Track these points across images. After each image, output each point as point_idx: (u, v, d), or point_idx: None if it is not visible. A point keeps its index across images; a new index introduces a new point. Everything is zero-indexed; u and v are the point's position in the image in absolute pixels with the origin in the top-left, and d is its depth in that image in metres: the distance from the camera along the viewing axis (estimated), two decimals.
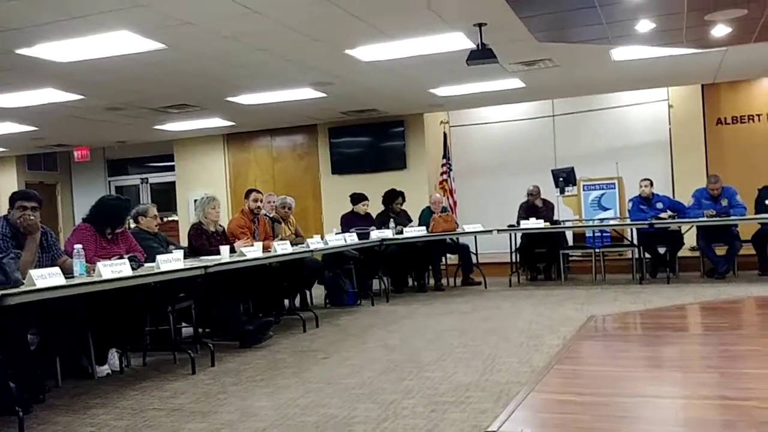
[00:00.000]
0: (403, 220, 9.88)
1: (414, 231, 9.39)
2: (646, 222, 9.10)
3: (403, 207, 10.07)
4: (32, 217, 4.77)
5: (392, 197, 9.92)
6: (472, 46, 7.06)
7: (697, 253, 9.71)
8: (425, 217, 9.90)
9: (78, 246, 4.85)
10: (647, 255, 9.62)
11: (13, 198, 4.87)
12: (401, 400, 4.21)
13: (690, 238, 9.69)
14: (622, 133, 11.87)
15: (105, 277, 4.60)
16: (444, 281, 9.99)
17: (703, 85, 11.25)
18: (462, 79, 9.26)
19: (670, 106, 11.61)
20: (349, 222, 9.36)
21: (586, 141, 12.01)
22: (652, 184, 9.52)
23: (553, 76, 9.42)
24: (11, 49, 6.56)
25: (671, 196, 10.35)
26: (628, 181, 10.73)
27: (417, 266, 9.86)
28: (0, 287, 3.87)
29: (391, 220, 9.63)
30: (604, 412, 3.84)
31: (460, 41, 7.18)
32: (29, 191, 5.06)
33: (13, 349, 4.44)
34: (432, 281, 9.92)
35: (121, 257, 5.10)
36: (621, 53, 8.30)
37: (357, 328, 6.99)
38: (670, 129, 11.62)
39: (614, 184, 10.89)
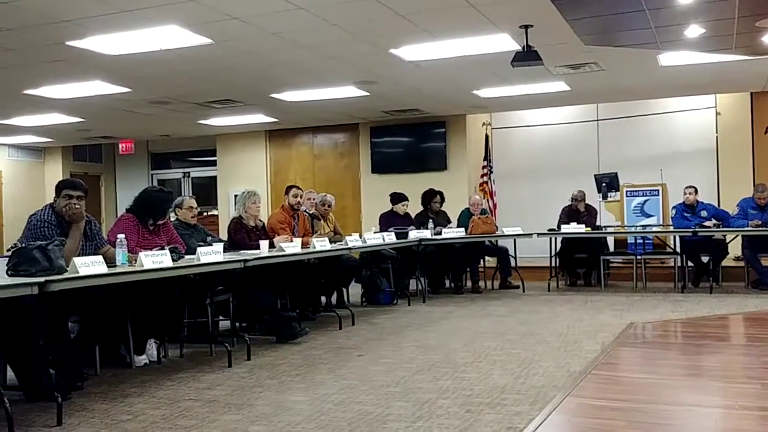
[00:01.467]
0: (442, 221, 9.84)
1: (453, 232, 9.35)
2: (690, 230, 8.94)
3: (443, 208, 10.04)
4: (77, 206, 4.84)
5: (429, 197, 9.89)
6: (517, 47, 7.01)
7: (741, 263, 9.53)
8: (464, 219, 9.86)
9: (121, 236, 4.92)
10: (690, 263, 9.46)
11: (60, 187, 4.95)
12: (436, 399, 4.19)
13: (734, 248, 9.50)
14: (668, 140, 11.68)
15: (146, 267, 4.65)
16: (481, 284, 9.93)
17: (752, 93, 11.02)
18: (506, 80, 9.20)
19: (717, 114, 11.40)
20: (387, 221, 9.36)
21: (630, 147, 11.84)
22: (696, 191, 9.36)
23: (598, 80, 9.31)
24: (62, 40, 6.69)
25: (716, 205, 10.16)
26: (672, 188, 10.55)
27: (454, 268, 9.82)
28: (44, 274, 3.94)
29: (430, 220, 9.60)
30: (641, 419, 3.78)
31: (505, 42, 7.14)
32: (75, 180, 5.14)
33: (54, 336, 4.52)
34: (469, 283, 9.87)
35: (163, 248, 5.16)
36: (669, 58, 8.17)
37: (393, 327, 6.98)
38: (717, 137, 11.40)
39: (658, 190, 10.73)
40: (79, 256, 4.53)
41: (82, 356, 4.94)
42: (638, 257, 9.85)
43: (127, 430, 3.78)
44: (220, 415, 4.00)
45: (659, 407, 4.06)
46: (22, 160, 14.81)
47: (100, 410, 4.18)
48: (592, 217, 10.06)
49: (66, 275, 4.08)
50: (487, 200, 11.98)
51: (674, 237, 9.68)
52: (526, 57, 6.84)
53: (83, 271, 4.17)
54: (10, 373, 4.51)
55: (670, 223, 9.73)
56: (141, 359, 5.42)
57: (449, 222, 9.93)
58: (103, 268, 4.34)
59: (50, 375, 4.35)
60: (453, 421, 3.74)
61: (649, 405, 4.08)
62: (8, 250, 4.34)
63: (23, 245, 4.15)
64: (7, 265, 3.99)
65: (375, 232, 8.50)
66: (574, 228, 9.41)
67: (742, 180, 10.70)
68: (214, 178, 14.35)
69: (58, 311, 4.53)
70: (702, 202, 9.42)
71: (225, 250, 5.79)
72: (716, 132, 11.42)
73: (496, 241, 9.98)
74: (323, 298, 7.95)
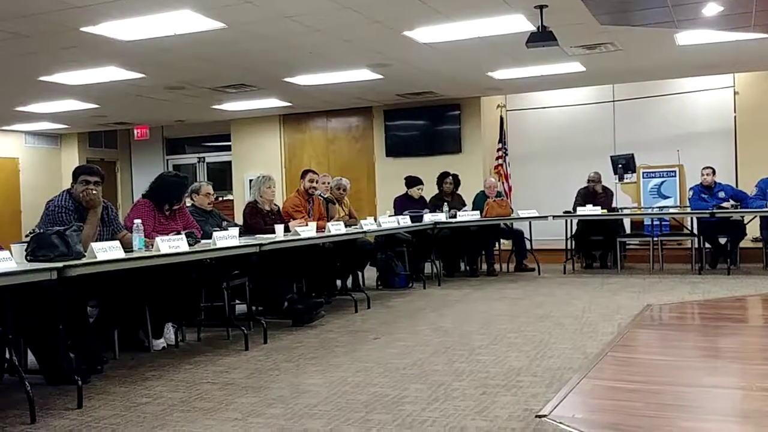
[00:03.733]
0: (457, 204, 9.83)
1: (468, 215, 9.34)
2: (708, 211, 8.87)
3: (458, 191, 10.01)
4: (94, 192, 4.88)
5: (441, 178, 9.87)
6: (532, 28, 6.95)
7: (759, 244, 9.47)
8: (479, 202, 9.83)
9: (137, 221, 4.96)
10: (707, 245, 9.40)
11: (77, 173, 4.99)
12: (451, 381, 4.20)
13: (753, 229, 9.43)
14: (685, 120, 11.58)
15: (163, 251, 4.68)
16: (497, 267, 9.92)
17: None
18: (521, 62, 9.14)
19: (735, 93, 11.28)
20: (402, 205, 9.36)
21: (646, 127, 11.74)
22: (714, 172, 9.29)
23: (614, 61, 9.22)
24: (76, 26, 6.70)
25: (734, 186, 10.08)
26: (689, 169, 10.47)
27: (470, 251, 9.81)
28: (63, 259, 3.97)
29: (445, 203, 9.58)
30: (658, 400, 3.77)
31: (520, 23, 7.08)
32: (92, 166, 5.18)
33: (73, 320, 4.56)
34: (484, 266, 9.86)
35: (179, 233, 5.18)
36: (686, 37, 8.08)
37: (408, 311, 7.00)
38: (735, 116, 11.29)
39: (675, 171, 10.66)
40: (96, 241, 4.57)
41: (100, 340, 4.99)
42: (655, 239, 9.80)
43: (146, 412, 3.82)
44: (237, 398, 4.03)
45: (676, 389, 4.05)
46: (39, 147, 14.90)
47: (119, 393, 4.23)
48: (609, 198, 10.00)
49: (84, 260, 4.11)
50: (502, 183, 11.94)
51: (691, 218, 9.61)
52: (541, 38, 6.77)
53: (101, 256, 4.20)
54: (30, 357, 4.57)
55: (688, 204, 9.66)
56: (159, 343, 5.47)
57: (464, 205, 9.91)
58: (120, 253, 4.37)
59: (70, 359, 4.40)
60: (469, 403, 3.75)
61: (665, 386, 4.08)
62: (27, 236, 4.37)
63: (41, 231, 4.19)
64: (25, 250, 4.02)
65: (390, 216, 8.50)
66: (590, 210, 9.36)
67: (760, 160, 10.58)
68: (229, 163, 14.38)
69: (76, 296, 4.57)
70: (720, 183, 9.35)
71: (240, 234, 5.81)
72: (734, 112, 11.30)
73: (512, 223, 9.95)
74: (339, 282, 7.97)
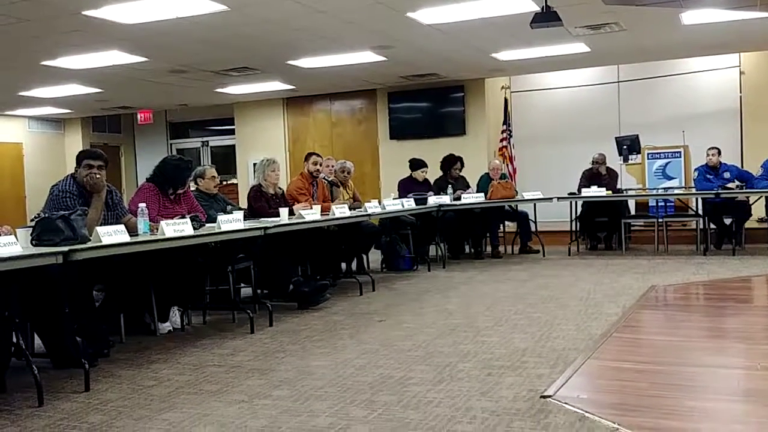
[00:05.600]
0: (461, 186, 9.81)
1: (472, 197, 9.32)
2: (713, 192, 8.84)
3: (462, 173, 9.99)
4: (98, 176, 4.87)
5: (451, 162, 9.84)
6: (536, 8, 6.89)
7: (764, 225, 9.44)
8: (483, 184, 9.81)
9: (142, 205, 4.95)
10: (712, 226, 9.37)
11: (80, 157, 4.98)
12: (457, 363, 4.21)
13: (758, 209, 9.41)
14: (690, 101, 11.52)
15: (168, 235, 4.68)
16: (501, 249, 9.91)
17: None
18: (525, 43, 9.09)
19: (741, 73, 11.22)
20: (406, 187, 9.34)
21: (651, 108, 11.69)
22: (719, 153, 9.25)
23: (619, 41, 9.17)
24: (78, 10, 6.67)
25: (739, 166, 10.03)
26: (694, 149, 10.43)
27: (474, 233, 9.80)
28: (68, 243, 3.98)
29: (449, 186, 9.56)
30: (663, 380, 3.78)
31: (524, 4, 7.04)
32: (96, 150, 5.17)
33: (79, 304, 4.57)
34: (489, 248, 9.85)
35: (183, 217, 5.18)
36: (691, 17, 8.02)
37: (413, 293, 7.01)
38: (740, 97, 11.23)
39: (680, 152, 10.62)
40: (101, 225, 4.57)
41: (107, 324, 5.01)
42: (660, 220, 9.78)
43: (153, 395, 3.84)
44: (243, 380, 4.05)
45: (681, 368, 4.06)
46: (43, 132, 14.91)
47: (126, 376, 4.25)
48: (613, 180, 9.98)
49: (89, 244, 4.11)
50: (507, 165, 11.91)
51: (696, 199, 9.59)
52: (546, 18, 6.72)
53: (106, 240, 4.21)
54: (37, 341, 4.59)
55: (693, 185, 9.63)
56: (165, 326, 5.48)
57: (468, 187, 9.88)
58: (125, 237, 4.38)
59: (77, 342, 4.42)
60: (474, 384, 3.76)
61: (671, 366, 4.09)
62: (32, 221, 4.38)
63: (46, 215, 4.19)
64: (31, 235, 4.03)
65: (394, 199, 8.49)
66: (594, 191, 9.33)
67: (766, 141, 10.54)
68: (233, 146, 14.37)
69: (82, 280, 4.58)
70: (725, 164, 9.31)
71: (245, 218, 5.81)
72: (740, 92, 11.25)
73: (516, 205, 9.94)
74: (343, 265, 7.97)
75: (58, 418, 3.51)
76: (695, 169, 9.53)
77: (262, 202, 6.90)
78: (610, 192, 9.45)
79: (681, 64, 11.44)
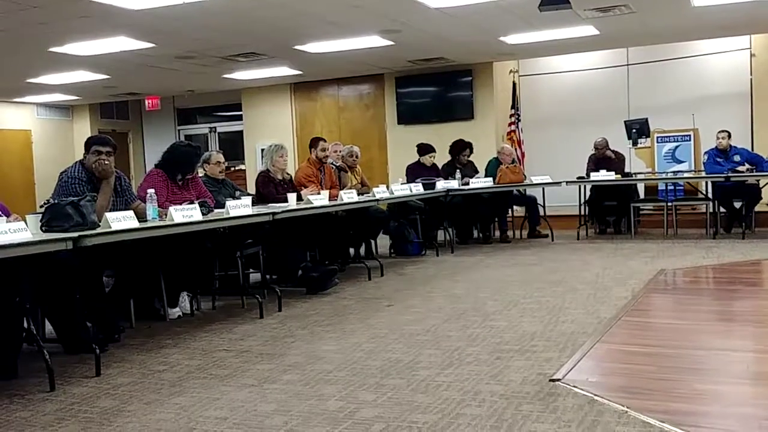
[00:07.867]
0: (470, 171, 9.78)
1: (480, 182, 9.30)
2: (722, 175, 8.80)
3: (470, 158, 9.96)
4: (107, 162, 4.88)
5: (460, 148, 9.81)
6: None
7: None
8: (492, 169, 9.78)
9: (151, 190, 4.97)
10: (722, 209, 9.33)
11: (89, 143, 4.99)
12: (465, 347, 4.22)
13: None
14: (700, 84, 11.44)
15: (177, 221, 4.70)
16: (510, 233, 9.90)
17: None
18: (533, 26, 9.03)
19: (752, 55, 11.12)
20: (414, 172, 9.33)
21: (661, 91, 11.61)
22: (729, 136, 9.18)
23: (628, 24, 9.09)
24: None
25: (750, 149, 9.97)
26: (704, 133, 10.36)
27: (483, 218, 9.79)
28: (78, 229, 3.99)
29: (458, 171, 9.54)
30: (672, 363, 3.78)
31: None
32: (104, 136, 5.18)
33: (89, 289, 4.60)
34: (498, 233, 9.85)
35: (192, 203, 5.19)
36: None
37: (422, 278, 7.01)
38: (751, 79, 11.14)
39: (690, 136, 10.55)
40: (110, 211, 4.59)
41: (117, 309, 5.04)
42: (669, 204, 9.75)
43: (163, 379, 3.86)
44: (253, 365, 4.07)
45: (690, 352, 4.05)
46: (51, 119, 14.92)
47: (136, 361, 4.28)
48: (622, 163, 9.94)
49: (99, 230, 4.13)
50: (516, 149, 11.86)
51: (706, 183, 9.55)
52: (554, 1, 6.69)
53: (115, 226, 4.22)
54: (48, 327, 4.62)
55: (702, 168, 9.58)
56: (174, 312, 5.52)
57: (477, 172, 9.86)
58: (134, 223, 4.39)
59: (87, 328, 4.46)
60: (483, 368, 3.77)
61: (680, 350, 4.08)
62: (41, 207, 4.39)
63: (56, 201, 4.20)
64: (40, 221, 4.05)
65: (402, 184, 8.48)
66: (603, 175, 9.30)
67: None
68: (241, 132, 14.36)
69: (92, 266, 4.61)
70: (735, 147, 9.26)
71: (253, 203, 5.82)
72: (750, 74, 11.15)
73: (525, 190, 9.92)
74: (352, 250, 7.99)
75: (69, 402, 3.54)
76: (705, 153, 9.48)
77: (270, 188, 6.91)
78: (619, 176, 9.41)
79: (691, 47, 11.35)
